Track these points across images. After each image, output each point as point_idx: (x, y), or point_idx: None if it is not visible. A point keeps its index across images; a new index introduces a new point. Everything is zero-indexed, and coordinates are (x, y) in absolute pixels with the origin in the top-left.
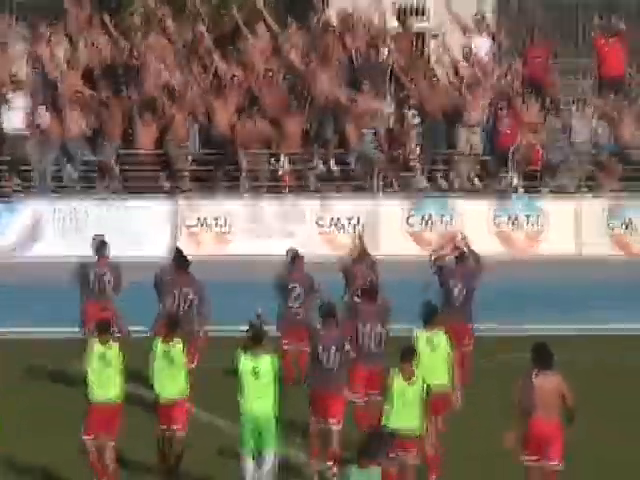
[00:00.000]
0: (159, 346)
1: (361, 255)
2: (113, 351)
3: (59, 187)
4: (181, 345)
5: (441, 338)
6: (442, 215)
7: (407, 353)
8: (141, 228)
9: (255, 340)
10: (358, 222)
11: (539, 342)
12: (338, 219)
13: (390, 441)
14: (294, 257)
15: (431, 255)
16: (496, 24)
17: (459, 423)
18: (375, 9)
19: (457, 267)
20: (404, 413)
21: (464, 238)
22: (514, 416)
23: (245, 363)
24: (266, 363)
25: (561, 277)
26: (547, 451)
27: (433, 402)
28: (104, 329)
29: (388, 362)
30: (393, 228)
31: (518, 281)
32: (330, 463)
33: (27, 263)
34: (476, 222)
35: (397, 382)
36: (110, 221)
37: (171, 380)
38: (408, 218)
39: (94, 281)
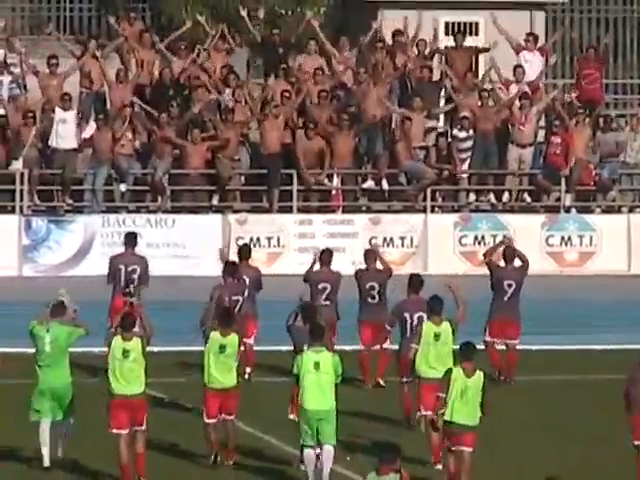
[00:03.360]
0: (214, 338)
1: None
2: (134, 346)
3: (109, 204)
4: (236, 338)
5: (448, 330)
6: (493, 233)
7: (468, 351)
8: (191, 246)
9: (316, 335)
10: (411, 241)
11: None
12: (391, 238)
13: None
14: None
15: (484, 254)
16: (547, 41)
17: (493, 437)
18: (420, 27)
19: (506, 265)
20: (464, 408)
21: (510, 239)
22: (625, 405)
23: (307, 358)
24: (327, 359)
25: (613, 295)
26: None
27: (434, 394)
28: (128, 324)
29: None
30: (444, 246)
31: (569, 299)
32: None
33: (77, 279)
34: (528, 240)
35: (459, 378)
36: (160, 239)
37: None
38: (461, 238)
39: (124, 275)
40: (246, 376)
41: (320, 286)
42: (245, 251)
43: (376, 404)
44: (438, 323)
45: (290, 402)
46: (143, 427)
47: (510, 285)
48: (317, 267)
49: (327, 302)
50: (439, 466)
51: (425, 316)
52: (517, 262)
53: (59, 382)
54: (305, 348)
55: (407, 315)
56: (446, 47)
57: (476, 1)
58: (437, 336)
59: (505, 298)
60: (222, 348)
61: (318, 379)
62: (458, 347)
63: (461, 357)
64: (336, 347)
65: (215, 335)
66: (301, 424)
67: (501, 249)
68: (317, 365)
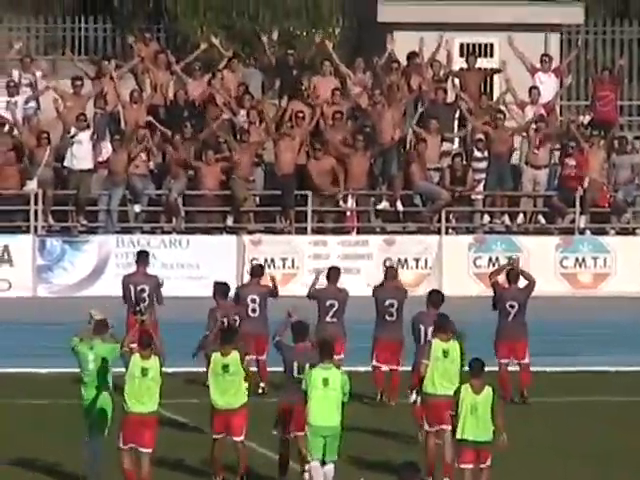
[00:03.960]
0: (216, 357)
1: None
2: (153, 364)
3: (124, 225)
4: (238, 355)
5: (455, 349)
6: (508, 255)
7: (478, 368)
8: (206, 266)
9: (326, 353)
10: (425, 263)
11: None
12: (405, 260)
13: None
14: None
15: (490, 275)
16: (562, 62)
17: (505, 458)
18: (440, 48)
19: (509, 286)
20: (476, 425)
21: (517, 259)
22: None
23: (316, 374)
24: (336, 376)
25: (627, 316)
26: None
27: (443, 411)
28: (146, 343)
29: None
30: (459, 267)
31: (583, 320)
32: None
33: (91, 300)
34: (542, 261)
35: (468, 396)
36: (175, 259)
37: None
38: (475, 259)
39: (133, 294)
40: (260, 391)
41: (327, 303)
42: (257, 270)
43: (387, 420)
44: (446, 340)
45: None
46: (150, 449)
47: (512, 306)
48: (325, 284)
49: (334, 319)
50: (430, 478)
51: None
52: (522, 283)
53: (101, 400)
54: (295, 366)
55: (422, 327)
56: (461, 69)
57: (491, 23)
58: (445, 353)
59: (509, 319)
60: (225, 368)
61: (326, 395)
62: (468, 364)
63: (470, 374)
64: (350, 368)
65: (216, 356)
66: (308, 439)
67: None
68: (326, 381)
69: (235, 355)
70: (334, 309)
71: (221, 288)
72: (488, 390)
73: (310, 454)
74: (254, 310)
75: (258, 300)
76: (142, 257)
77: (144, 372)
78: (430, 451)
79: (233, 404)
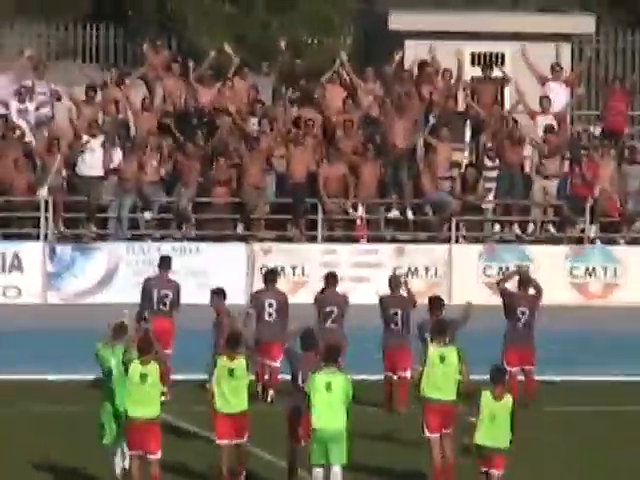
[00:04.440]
0: (222, 361)
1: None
2: (152, 370)
3: (134, 232)
4: (244, 361)
5: (453, 354)
6: (518, 264)
7: (498, 375)
8: (216, 274)
9: (329, 357)
10: (436, 272)
11: None
12: (416, 268)
13: None
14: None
15: (498, 282)
16: (573, 72)
17: (516, 466)
18: (434, 59)
19: (519, 291)
20: (494, 431)
21: (526, 267)
22: None
23: (319, 379)
24: (339, 380)
25: (638, 326)
26: None
27: (440, 415)
28: (145, 349)
29: None
30: (469, 277)
31: (593, 330)
32: None
33: (101, 307)
34: (552, 271)
35: (488, 403)
36: (185, 267)
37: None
38: (485, 268)
39: (156, 299)
40: (269, 399)
41: (327, 309)
42: (272, 276)
43: (395, 427)
44: (443, 345)
45: None
46: (157, 456)
47: (524, 312)
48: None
49: (333, 325)
50: None
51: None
52: (531, 291)
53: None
54: (299, 375)
55: (428, 336)
56: (472, 78)
57: (502, 32)
58: (443, 358)
59: (519, 325)
60: (231, 372)
61: (329, 399)
62: (489, 371)
63: (491, 381)
64: (362, 376)
65: (222, 360)
66: (311, 444)
67: (516, 277)
68: (329, 386)
69: (241, 360)
70: (334, 315)
71: (221, 293)
72: (508, 398)
73: (310, 459)
74: (270, 315)
75: (275, 305)
76: (165, 262)
77: (143, 378)
78: (436, 458)
79: (237, 408)
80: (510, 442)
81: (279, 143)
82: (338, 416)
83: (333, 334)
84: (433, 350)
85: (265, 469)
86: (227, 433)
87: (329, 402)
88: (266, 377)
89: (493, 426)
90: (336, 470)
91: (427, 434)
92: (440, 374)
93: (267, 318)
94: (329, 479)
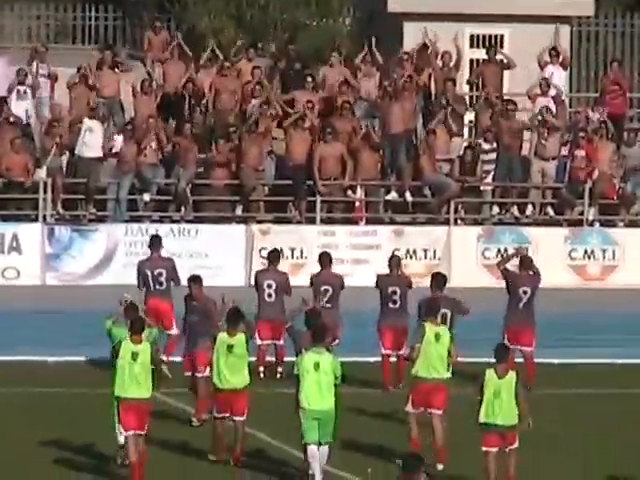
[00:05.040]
0: (222, 337)
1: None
2: (143, 349)
3: (133, 214)
4: (243, 337)
5: (445, 332)
6: (516, 246)
7: (502, 353)
8: (215, 256)
9: (318, 337)
10: (434, 254)
11: None
12: (414, 250)
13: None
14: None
15: (498, 263)
16: (571, 55)
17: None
18: (453, 39)
19: (521, 272)
20: (500, 409)
21: (524, 248)
22: None
23: (307, 359)
24: (327, 360)
25: (636, 308)
26: None
27: (432, 394)
28: (137, 328)
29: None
30: (468, 259)
31: (592, 312)
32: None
33: (100, 288)
34: (551, 253)
35: (492, 380)
36: (183, 248)
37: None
38: (484, 251)
39: (152, 279)
40: (278, 376)
41: (322, 289)
42: (274, 256)
43: (391, 406)
44: (436, 323)
45: None
46: (142, 432)
47: (525, 292)
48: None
49: (328, 305)
50: None
51: (445, 313)
52: (531, 272)
53: None
54: (304, 352)
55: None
56: (474, 60)
57: (501, 14)
58: (437, 336)
59: (520, 305)
60: (230, 348)
61: (318, 379)
62: (493, 349)
63: (495, 359)
64: (358, 358)
65: (222, 336)
66: (302, 423)
67: (515, 259)
68: (317, 365)
69: (241, 336)
70: (328, 294)
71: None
72: (511, 375)
73: (304, 437)
74: (270, 295)
75: (274, 286)
76: (155, 241)
77: (134, 356)
78: (413, 433)
79: (236, 385)
80: (518, 418)
81: (280, 124)
82: (327, 396)
83: (328, 314)
84: (428, 329)
85: (261, 451)
86: (225, 409)
87: (318, 381)
88: (267, 361)
89: (498, 404)
90: (323, 450)
91: (410, 409)
92: (434, 353)
93: (267, 298)
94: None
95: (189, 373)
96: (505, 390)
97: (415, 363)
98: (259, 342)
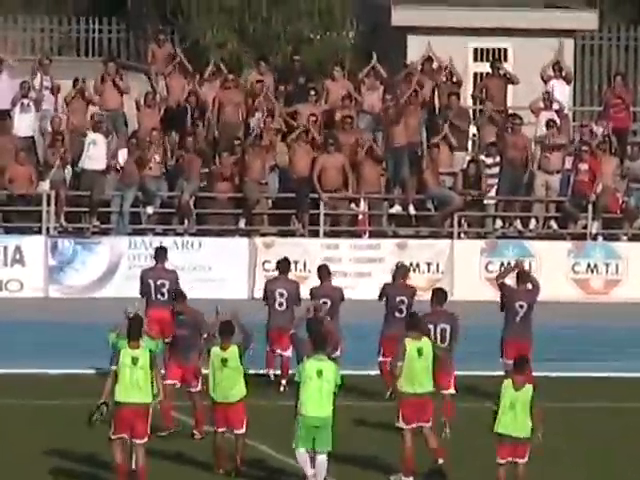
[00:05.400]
0: (216, 351)
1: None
2: (142, 354)
3: (136, 226)
4: (236, 349)
5: (428, 346)
6: (519, 260)
7: (522, 364)
8: (218, 269)
9: (319, 344)
10: (437, 267)
11: None
12: (417, 264)
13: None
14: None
15: (497, 277)
16: (575, 69)
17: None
18: (434, 57)
19: (518, 286)
20: (514, 421)
21: (522, 261)
22: None
23: (310, 365)
24: (329, 368)
25: (639, 323)
26: None
27: (421, 409)
28: (135, 334)
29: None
30: (471, 272)
31: (595, 326)
32: None
33: (103, 301)
34: (554, 267)
35: (508, 391)
36: (187, 261)
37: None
38: (487, 264)
39: (154, 289)
40: (281, 388)
41: (322, 301)
42: (284, 265)
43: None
44: (418, 338)
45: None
46: (143, 440)
47: (522, 306)
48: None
49: (328, 317)
50: (411, 478)
51: (445, 328)
52: (529, 286)
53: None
54: (305, 359)
55: (431, 327)
56: (478, 74)
57: (505, 28)
58: (420, 351)
59: (517, 319)
60: (224, 362)
61: (320, 386)
62: (513, 361)
63: (513, 369)
64: (361, 372)
65: (215, 350)
66: (297, 430)
67: (514, 272)
68: (320, 373)
69: (234, 349)
70: (328, 307)
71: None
72: (528, 387)
73: (295, 443)
74: (281, 304)
75: (286, 295)
76: (161, 253)
77: (134, 361)
78: (408, 450)
79: (231, 398)
80: (532, 430)
81: (282, 138)
82: (326, 403)
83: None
84: (409, 345)
85: (262, 462)
86: (223, 423)
87: (320, 389)
88: (277, 371)
89: (513, 415)
90: (322, 458)
91: (403, 426)
92: (419, 368)
93: (278, 307)
94: (314, 466)
95: (173, 382)
96: (520, 402)
97: (399, 380)
98: (275, 351)
